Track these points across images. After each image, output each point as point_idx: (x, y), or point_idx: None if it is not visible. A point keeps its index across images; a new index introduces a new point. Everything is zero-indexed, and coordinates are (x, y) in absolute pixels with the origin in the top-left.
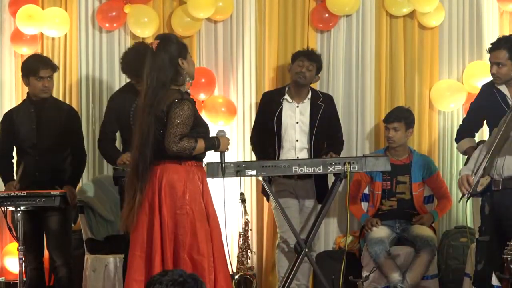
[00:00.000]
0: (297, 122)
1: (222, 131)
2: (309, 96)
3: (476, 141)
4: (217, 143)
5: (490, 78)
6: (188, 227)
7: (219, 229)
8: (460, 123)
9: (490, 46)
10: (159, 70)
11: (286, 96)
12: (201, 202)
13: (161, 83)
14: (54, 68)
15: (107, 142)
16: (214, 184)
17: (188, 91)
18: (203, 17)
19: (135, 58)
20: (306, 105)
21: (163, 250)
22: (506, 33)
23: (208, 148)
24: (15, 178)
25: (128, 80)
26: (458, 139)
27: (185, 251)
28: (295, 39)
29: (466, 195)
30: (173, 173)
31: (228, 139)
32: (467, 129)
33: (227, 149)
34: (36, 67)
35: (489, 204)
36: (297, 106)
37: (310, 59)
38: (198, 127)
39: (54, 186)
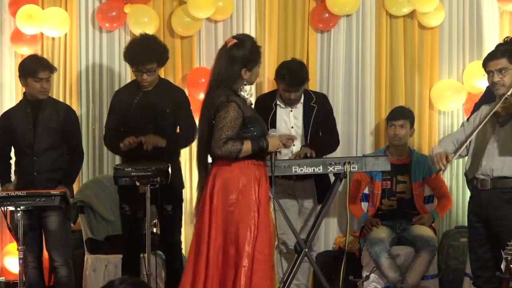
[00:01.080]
0: (292, 127)
1: (273, 130)
2: (302, 100)
3: None
4: (265, 144)
5: None
6: (233, 224)
7: (267, 232)
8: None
9: (488, 56)
10: (223, 71)
11: (279, 102)
12: (254, 203)
13: (218, 84)
14: (52, 69)
15: (112, 136)
16: None
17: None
18: (203, 17)
19: (135, 47)
20: (299, 109)
21: (209, 245)
22: (506, 33)
23: (255, 149)
24: (12, 178)
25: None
26: None
27: (232, 245)
28: (295, 39)
29: (442, 171)
30: (227, 172)
31: (277, 139)
32: None
33: (278, 149)
34: (35, 69)
35: (476, 203)
36: (291, 111)
37: (295, 88)
38: (252, 127)
39: (51, 186)
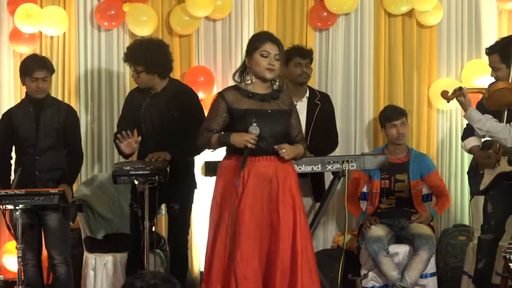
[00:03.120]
0: None
1: (254, 128)
2: (307, 94)
3: (482, 140)
4: (227, 139)
5: (489, 77)
6: (211, 220)
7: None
8: (467, 122)
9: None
10: None
11: None
12: (234, 200)
13: None
14: (50, 69)
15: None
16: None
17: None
18: (202, 15)
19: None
20: (304, 103)
21: None
22: (505, 32)
23: (220, 144)
24: (11, 180)
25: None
26: (464, 137)
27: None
28: (293, 38)
29: None
30: (218, 167)
31: (241, 135)
32: (473, 128)
33: (245, 146)
34: (31, 68)
35: (492, 203)
36: (295, 104)
37: (304, 57)
38: (239, 121)
39: (52, 186)
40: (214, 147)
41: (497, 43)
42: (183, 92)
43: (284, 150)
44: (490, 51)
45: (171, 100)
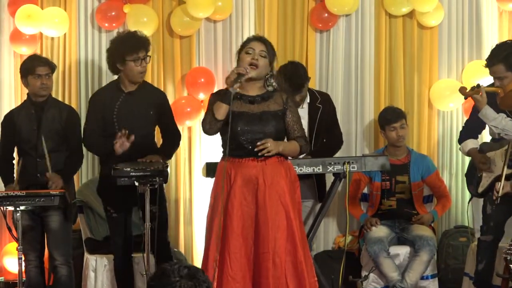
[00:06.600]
0: None
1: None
2: (308, 100)
3: (479, 142)
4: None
5: (490, 78)
6: (207, 220)
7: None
8: (463, 125)
9: (486, 62)
10: None
11: None
12: (220, 199)
13: None
14: (51, 66)
15: (93, 136)
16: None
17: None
18: (202, 16)
19: (128, 37)
20: (305, 110)
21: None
22: (505, 32)
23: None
24: (14, 179)
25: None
26: (461, 140)
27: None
28: (294, 39)
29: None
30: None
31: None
32: (470, 131)
33: (239, 73)
34: (33, 66)
35: (491, 204)
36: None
37: (296, 92)
38: (225, 124)
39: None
40: (216, 114)
41: (496, 53)
42: (157, 91)
43: (267, 145)
44: (492, 62)
45: (146, 99)
